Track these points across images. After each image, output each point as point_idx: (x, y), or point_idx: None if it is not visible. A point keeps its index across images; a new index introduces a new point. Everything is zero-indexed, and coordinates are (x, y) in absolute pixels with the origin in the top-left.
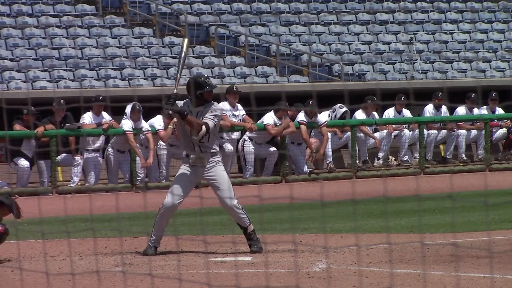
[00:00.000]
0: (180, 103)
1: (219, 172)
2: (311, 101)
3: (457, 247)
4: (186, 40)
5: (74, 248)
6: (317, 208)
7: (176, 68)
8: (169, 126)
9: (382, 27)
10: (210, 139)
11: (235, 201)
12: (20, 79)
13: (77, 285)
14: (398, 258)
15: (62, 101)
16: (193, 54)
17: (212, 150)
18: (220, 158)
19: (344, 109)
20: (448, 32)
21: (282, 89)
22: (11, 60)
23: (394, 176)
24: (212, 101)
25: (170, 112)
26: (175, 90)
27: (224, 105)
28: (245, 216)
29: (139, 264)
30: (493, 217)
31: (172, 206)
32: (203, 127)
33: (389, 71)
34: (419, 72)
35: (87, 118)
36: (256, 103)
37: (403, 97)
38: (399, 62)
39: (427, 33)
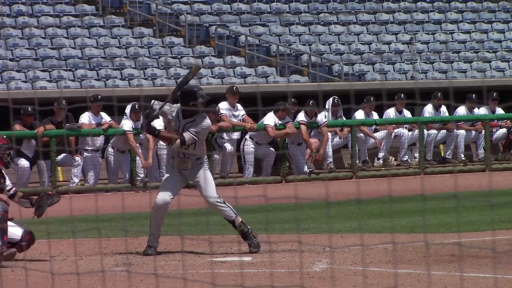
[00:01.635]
0: (173, 107)
1: (201, 172)
2: (311, 101)
3: (458, 247)
4: (196, 66)
5: (74, 248)
6: (317, 208)
7: (180, 78)
8: None
9: (382, 27)
10: (196, 148)
11: (215, 197)
12: (20, 79)
13: (77, 285)
14: (398, 258)
15: (64, 101)
16: (193, 54)
17: (197, 157)
18: (205, 161)
19: (331, 98)
20: (448, 32)
21: (287, 89)
22: (11, 60)
23: (394, 176)
24: (205, 114)
25: (142, 131)
26: (158, 107)
27: (224, 105)
28: (228, 209)
29: (139, 264)
30: (493, 217)
31: (164, 203)
32: (178, 141)
33: (389, 71)
34: (419, 72)
35: (85, 118)
36: (257, 103)
37: (402, 95)
38: (399, 62)
39: (427, 33)
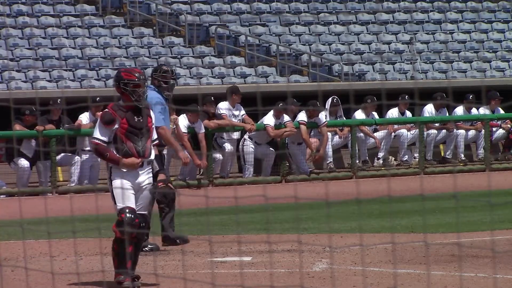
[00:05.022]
0: None
1: None
2: (312, 102)
3: (458, 247)
4: None
5: (74, 248)
6: (316, 208)
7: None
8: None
9: (382, 27)
10: None
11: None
12: (20, 79)
13: (77, 285)
14: (398, 258)
15: (59, 100)
16: (193, 54)
17: None
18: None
19: (330, 98)
20: (448, 32)
21: (287, 89)
22: (11, 60)
23: (393, 176)
24: None
25: None
26: None
27: (224, 105)
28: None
29: (139, 264)
30: (493, 217)
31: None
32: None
33: (389, 71)
34: (419, 72)
35: (84, 118)
36: (257, 103)
37: (405, 97)
38: (399, 62)
39: (427, 33)
